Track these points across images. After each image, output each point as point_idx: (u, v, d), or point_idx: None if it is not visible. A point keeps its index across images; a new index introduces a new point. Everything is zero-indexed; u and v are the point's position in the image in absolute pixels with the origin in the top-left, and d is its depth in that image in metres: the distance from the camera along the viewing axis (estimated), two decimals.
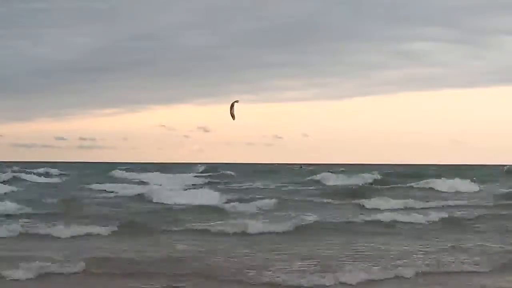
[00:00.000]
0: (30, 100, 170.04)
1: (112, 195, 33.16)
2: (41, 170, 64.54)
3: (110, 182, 44.09)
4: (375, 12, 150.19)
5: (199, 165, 79.77)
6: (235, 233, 17.97)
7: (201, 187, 37.57)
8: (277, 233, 18.18)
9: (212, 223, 19.69)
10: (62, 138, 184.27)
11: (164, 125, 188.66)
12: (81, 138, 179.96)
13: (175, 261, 13.46)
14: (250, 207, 24.98)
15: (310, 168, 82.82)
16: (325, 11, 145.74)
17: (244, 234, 17.96)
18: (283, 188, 40.12)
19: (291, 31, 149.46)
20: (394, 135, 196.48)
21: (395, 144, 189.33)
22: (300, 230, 18.78)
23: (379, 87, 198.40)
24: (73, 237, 17.16)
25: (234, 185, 44.95)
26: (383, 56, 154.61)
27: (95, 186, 39.66)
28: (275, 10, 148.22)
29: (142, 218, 21.28)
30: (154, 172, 55.49)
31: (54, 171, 65.75)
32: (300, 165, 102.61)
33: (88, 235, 17.49)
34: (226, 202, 27.08)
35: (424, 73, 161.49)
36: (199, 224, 19.65)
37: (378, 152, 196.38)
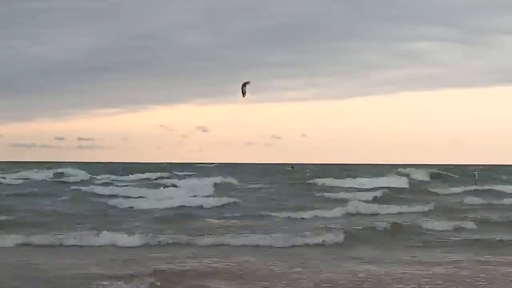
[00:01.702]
0: (30, 100, 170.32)
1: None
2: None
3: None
4: (375, 12, 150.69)
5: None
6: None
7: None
8: None
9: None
10: (61, 138, 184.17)
11: (163, 125, 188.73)
12: (80, 138, 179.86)
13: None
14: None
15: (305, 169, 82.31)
16: (325, 11, 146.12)
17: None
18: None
19: (291, 31, 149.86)
20: (394, 135, 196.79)
21: (395, 144, 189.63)
22: None
23: (379, 87, 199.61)
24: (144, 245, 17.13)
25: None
26: (383, 56, 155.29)
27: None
28: (275, 10, 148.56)
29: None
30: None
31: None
32: (292, 165, 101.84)
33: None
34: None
35: (424, 73, 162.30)
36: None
37: (378, 152, 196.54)
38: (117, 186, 44.14)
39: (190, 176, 62.10)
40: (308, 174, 66.30)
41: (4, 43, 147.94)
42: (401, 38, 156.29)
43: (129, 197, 33.19)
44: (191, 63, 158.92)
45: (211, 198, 31.89)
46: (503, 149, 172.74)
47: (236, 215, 24.97)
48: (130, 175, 59.35)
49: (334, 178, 53.49)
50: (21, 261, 14.28)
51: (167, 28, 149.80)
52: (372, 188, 41.58)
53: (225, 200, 30.76)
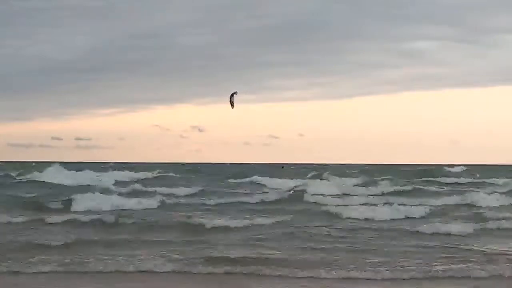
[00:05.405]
0: (28, 100, 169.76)
1: None
2: None
3: None
4: (375, 11, 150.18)
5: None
6: None
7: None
8: None
9: None
10: (59, 138, 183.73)
11: (162, 125, 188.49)
12: (78, 138, 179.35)
13: None
14: None
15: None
16: (325, 10, 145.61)
17: None
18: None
19: (291, 30, 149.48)
20: (394, 135, 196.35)
21: (395, 144, 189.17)
22: None
23: (379, 87, 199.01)
24: None
25: None
26: (384, 55, 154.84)
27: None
28: (275, 10, 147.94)
29: None
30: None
31: None
32: (282, 165, 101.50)
33: None
34: None
35: (425, 73, 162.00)
36: None
37: (378, 152, 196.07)
38: None
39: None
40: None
41: (2, 42, 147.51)
42: (401, 38, 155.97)
43: None
44: (191, 63, 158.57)
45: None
46: (503, 149, 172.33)
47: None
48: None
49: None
50: None
51: (166, 27, 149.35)
52: None
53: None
